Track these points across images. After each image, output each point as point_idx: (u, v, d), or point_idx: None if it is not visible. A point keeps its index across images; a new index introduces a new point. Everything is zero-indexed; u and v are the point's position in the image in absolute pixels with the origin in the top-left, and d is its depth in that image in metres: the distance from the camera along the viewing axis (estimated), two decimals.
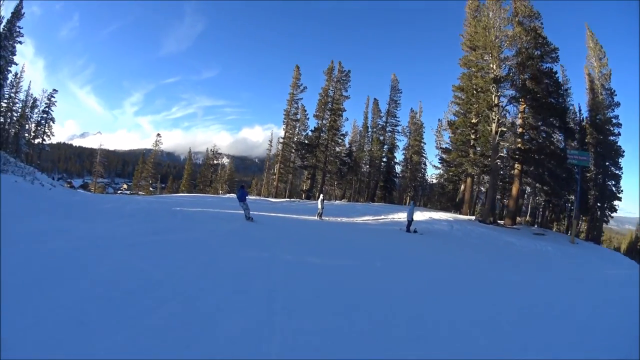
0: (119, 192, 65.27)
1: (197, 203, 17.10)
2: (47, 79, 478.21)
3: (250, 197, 18.29)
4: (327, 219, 16.57)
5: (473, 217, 21.88)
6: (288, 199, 35.46)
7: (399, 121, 39.86)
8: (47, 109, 33.93)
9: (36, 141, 33.76)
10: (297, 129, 42.60)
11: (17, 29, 25.02)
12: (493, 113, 19.93)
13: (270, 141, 52.60)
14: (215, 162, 54.51)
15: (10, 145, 26.40)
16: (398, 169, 41.93)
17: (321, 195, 17.14)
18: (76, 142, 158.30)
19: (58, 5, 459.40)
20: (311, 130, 38.11)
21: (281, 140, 41.95)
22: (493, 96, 19.89)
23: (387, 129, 39.50)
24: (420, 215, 18.93)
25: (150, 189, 53.75)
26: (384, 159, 40.27)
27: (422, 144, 41.27)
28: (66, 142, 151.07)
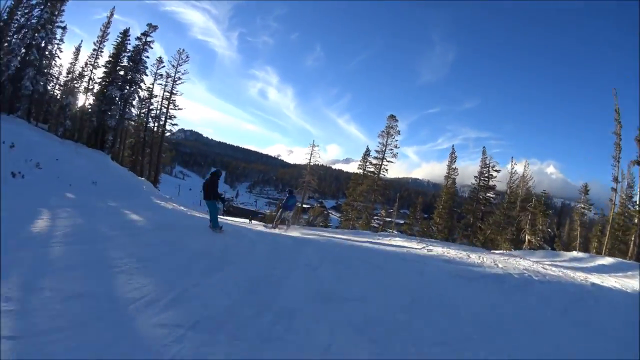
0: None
1: None
2: (299, 106, 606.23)
3: None
4: None
5: None
6: None
7: None
8: (139, 60, 19.20)
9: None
10: None
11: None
12: None
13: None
14: (490, 182, 27.62)
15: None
16: None
17: None
18: (337, 166, 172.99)
19: (294, 35, 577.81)
20: None
21: None
22: None
23: None
24: None
25: (382, 212, 34.32)
26: None
27: None
28: (325, 164, 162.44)
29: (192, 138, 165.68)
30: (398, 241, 10.57)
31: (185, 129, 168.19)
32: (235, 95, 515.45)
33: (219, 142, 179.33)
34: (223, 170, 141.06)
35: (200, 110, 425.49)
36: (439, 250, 9.02)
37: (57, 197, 9.36)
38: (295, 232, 10.49)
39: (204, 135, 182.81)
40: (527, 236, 22.35)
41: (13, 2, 14.18)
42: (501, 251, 17.90)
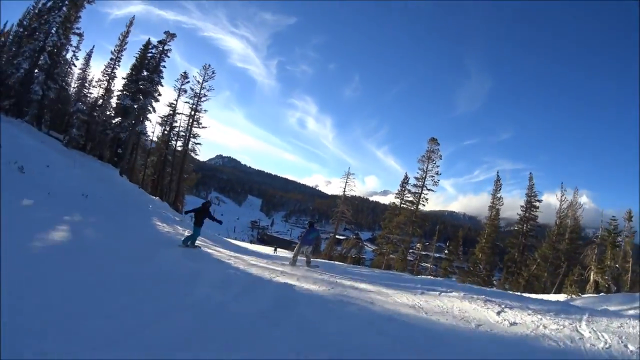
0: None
1: None
2: (338, 136, 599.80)
3: None
4: None
5: None
6: None
7: None
8: (155, 69, 17.97)
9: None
10: None
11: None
12: None
13: None
14: (532, 213, 25.14)
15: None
16: None
17: None
18: (374, 198, 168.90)
19: (332, 65, 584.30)
20: None
21: None
22: None
23: None
24: None
25: (419, 246, 33.33)
26: None
27: None
28: (362, 196, 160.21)
29: (230, 165, 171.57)
30: (454, 299, 6.60)
31: (224, 155, 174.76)
32: (274, 123, 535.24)
33: (257, 170, 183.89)
34: (260, 198, 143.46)
35: (239, 138, 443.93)
36: (526, 319, 5.41)
37: (4, 204, 7.58)
38: (298, 278, 7.30)
39: (242, 162, 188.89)
40: (592, 275, 18.68)
41: (32, 10, 14.03)
42: (568, 297, 16.03)
